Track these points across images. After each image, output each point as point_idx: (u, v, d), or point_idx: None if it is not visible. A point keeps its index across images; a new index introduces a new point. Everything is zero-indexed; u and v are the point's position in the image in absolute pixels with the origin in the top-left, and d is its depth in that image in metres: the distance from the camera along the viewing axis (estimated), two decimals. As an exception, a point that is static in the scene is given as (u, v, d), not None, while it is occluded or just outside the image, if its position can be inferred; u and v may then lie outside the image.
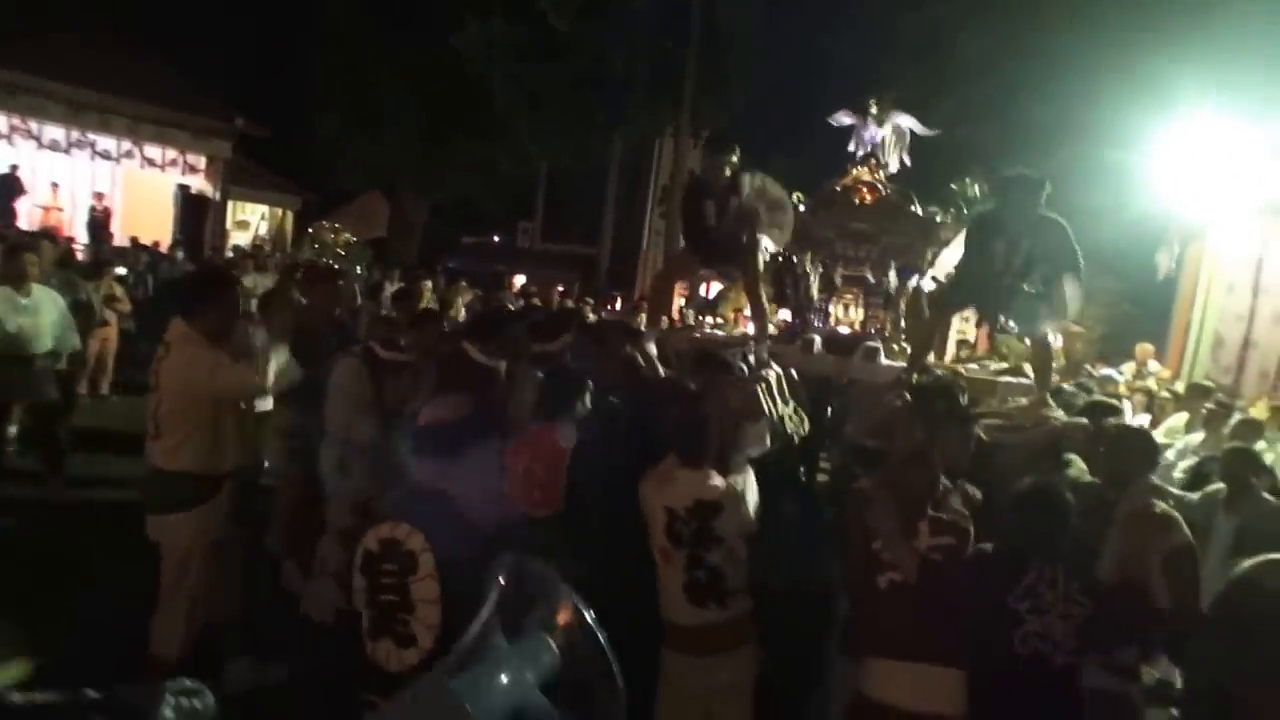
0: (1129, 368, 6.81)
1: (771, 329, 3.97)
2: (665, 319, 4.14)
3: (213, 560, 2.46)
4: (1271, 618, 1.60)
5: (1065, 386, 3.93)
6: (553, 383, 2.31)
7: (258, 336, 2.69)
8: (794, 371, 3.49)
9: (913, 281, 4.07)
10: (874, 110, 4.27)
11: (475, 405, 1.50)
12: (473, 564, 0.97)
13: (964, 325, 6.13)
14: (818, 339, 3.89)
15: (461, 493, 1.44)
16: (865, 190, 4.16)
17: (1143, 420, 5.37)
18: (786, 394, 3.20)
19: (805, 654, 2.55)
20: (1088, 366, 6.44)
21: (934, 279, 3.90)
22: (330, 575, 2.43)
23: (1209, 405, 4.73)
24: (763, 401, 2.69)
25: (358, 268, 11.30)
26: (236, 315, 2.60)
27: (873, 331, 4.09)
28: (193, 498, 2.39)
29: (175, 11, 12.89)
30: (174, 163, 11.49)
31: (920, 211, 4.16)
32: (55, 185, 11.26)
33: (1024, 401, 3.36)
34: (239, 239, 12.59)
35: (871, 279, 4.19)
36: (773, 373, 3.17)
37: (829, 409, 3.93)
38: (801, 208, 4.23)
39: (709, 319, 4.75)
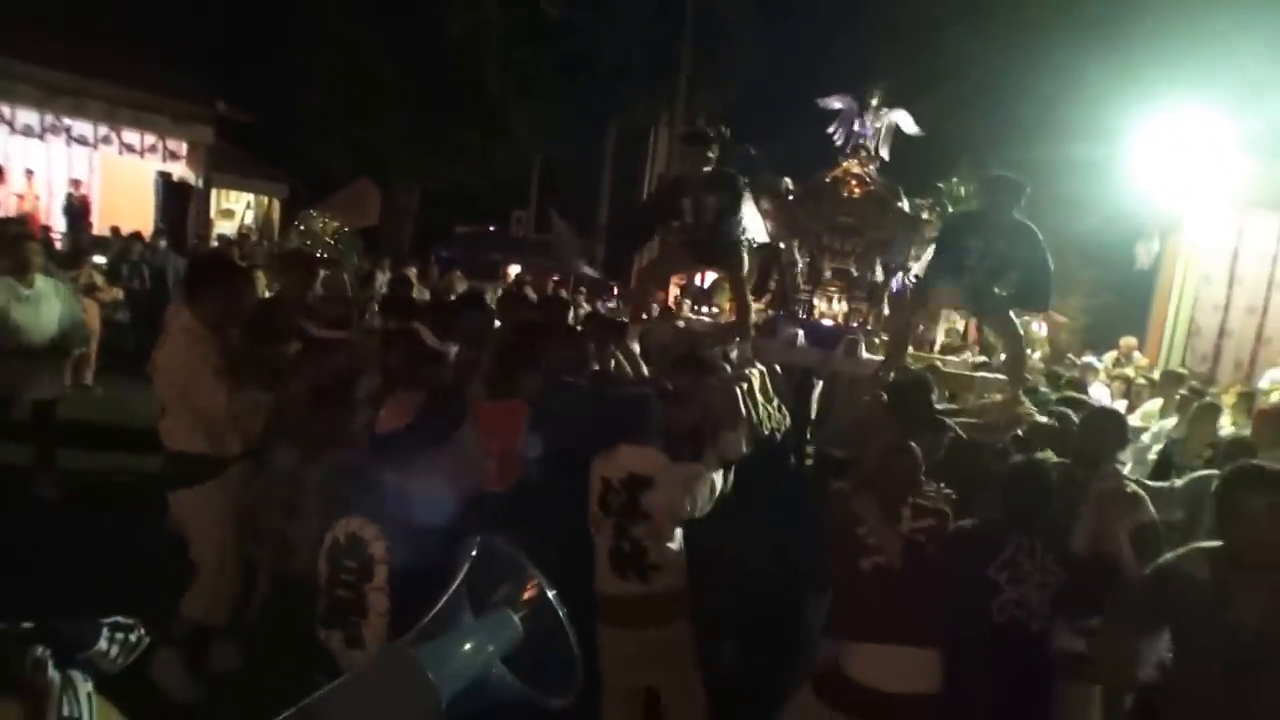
0: (1110, 357, 6.99)
1: (754, 314, 4.01)
2: (647, 314, 4.16)
3: (234, 537, 2.46)
4: (1193, 603, 1.66)
5: (1041, 388, 4.02)
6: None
7: None
8: (777, 366, 3.54)
9: (896, 281, 4.13)
10: (873, 101, 4.23)
11: (427, 400, 1.52)
12: (430, 573, 0.97)
13: (952, 320, 6.20)
14: (800, 331, 3.94)
15: (428, 492, 1.45)
16: (854, 183, 4.18)
17: (1119, 405, 5.55)
18: (769, 391, 3.25)
19: (786, 635, 2.63)
20: (1070, 356, 6.59)
21: (915, 276, 3.96)
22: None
23: (1182, 391, 4.90)
24: (742, 406, 2.73)
25: (353, 257, 11.15)
26: (242, 304, 2.56)
27: (855, 325, 4.14)
28: (202, 474, 2.42)
29: (152, -9, 12.48)
30: (153, 149, 11.19)
31: (907, 208, 4.19)
32: (30, 172, 10.95)
33: (999, 398, 3.44)
34: (224, 228, 12.35)
35: (855, 273, 4.23)
36: (755, 371, 3.20)
37: (814, 398, 3.99)
38: (790, 197, 4.25)
39: (704, 309, 4.77)
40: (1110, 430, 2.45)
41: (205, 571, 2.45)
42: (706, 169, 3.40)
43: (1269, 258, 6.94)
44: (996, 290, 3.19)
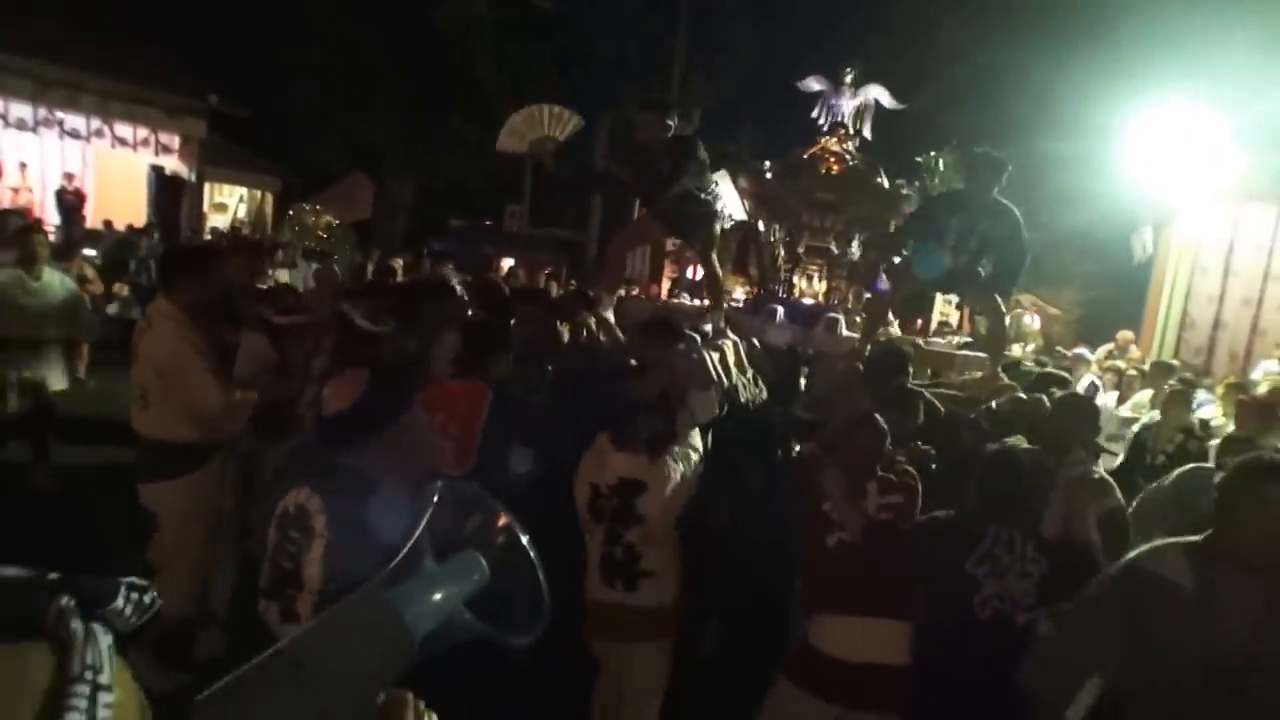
0: (1104, 350, 6.90)
1: (740, 296, 3.95)
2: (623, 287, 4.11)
3: (212, 526, 2.47)
4: (1168, 608, 1.50)
5: (1025, 363, 3.96)
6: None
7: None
8: (755, 341, 3.48)
9: (875, 258, 4.08)
10: (847, 79, 4.22)
11: (371, 380, 1.45)
12: (367, 554, 0.96)
13: (945, 306, 6.15)
14: (780, 309, 3.89)
15: (371, 472, 1.41)
16: (832, 160, 4.14)
17: (1111, 397, 5.47)
18: (744, 363, 3.19)
19: (776, 621, 2.58)
20: (1059, 348, 6.51)
21: (899, 255, 3.90)
22: None
23: (1171, 382, 4.81)
24: (712, 369, 2.67)
25: (345, 250, 11.15)
26: (220, 291, 2.56)
27: (835, 303, 4.08)
28: (183, 467, 2.39)
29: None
30: (146, 142, 11.18)
31: (887, 184, 4.14)
32: (24, 165, 10.98)
33: (979, 374, 3.41)
34: (217, 222, 12.35)
35: (836, 250, 4.17)
36: (729, 342, 3.16)
37: (800, 378, 3.92)
38: (768, 175, 4.21)
39: (696, 300, 4.73)
40: (1081, 416, 2.41)
41: (180, 563, 2.40)
42: (666, 135, 3.34)
43: (1265, 250, 6.90)
44: (979, 270, 3.15)
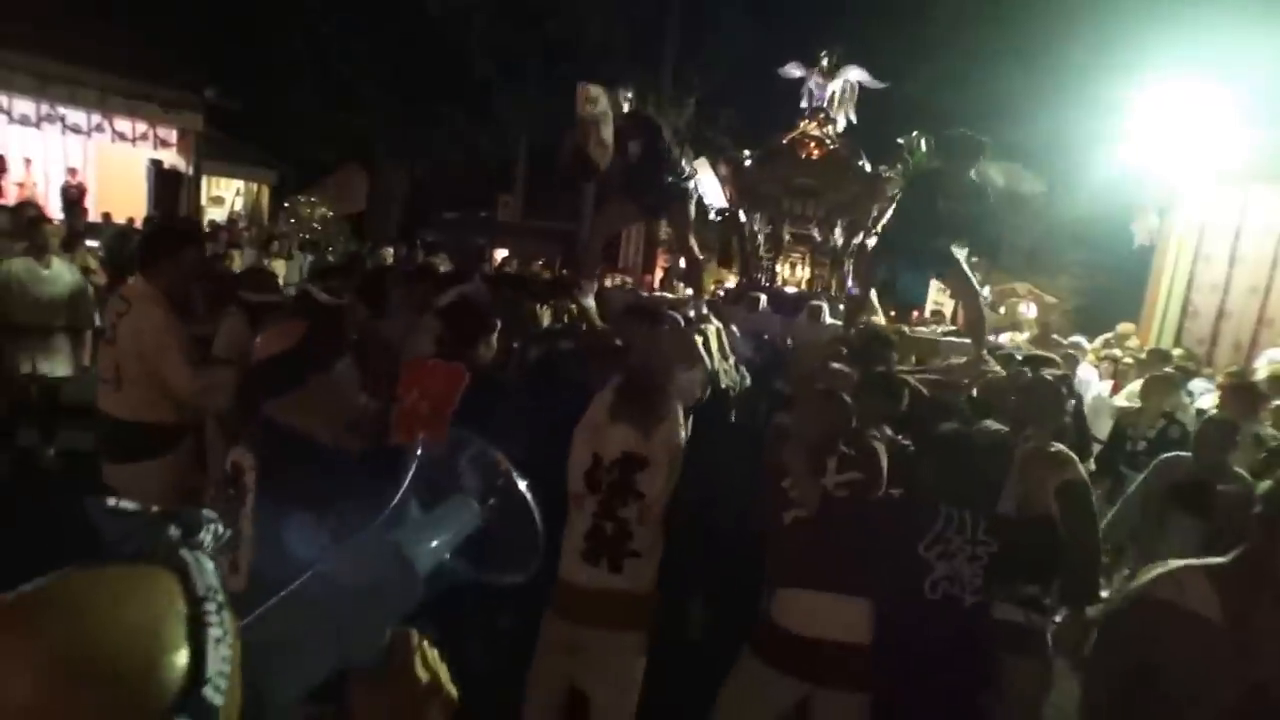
0: (1101, 339, 6.76)
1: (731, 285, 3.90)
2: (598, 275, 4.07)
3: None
4: (1195, 648, 1.25)
5: (1006, 346, 3.90)
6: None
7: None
8: (734, 327, 3.45)
9: (858, 239, 4.00)
10: (824, 63, 4.13)
11: (308, 330, 1.44)
12: (294, 504, 1.00)
13: (939, 295, 6.05)
14: (763, 298, 3.84)
15: (301, 422, 1.40)
16: (812, 145, 4.05)
17: (1106, 385, 5.38)
18: (726, 349, 3.16)
19: (752, 597, 2.55)
20: (1055, 335, 6.38)
21: (876, 235, 3.84)
22: None
23: (1167, 369, 4.71)
24: (697, 348, 2.64)
25: (340, 241, 11.19)
26: (196, 275, 2.58)
27: (819, 290, 4.01)
28: (158, 447, 2.40)
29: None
30: (145, 136, 11.29)
31: (868, 167, 4.05)
32: (28, 161, 11.12)
33: (964, 359, 3.36)
34: (214, 215, 12.44)
35: (818, 237, 4.10)
36: (711, 327, 3.13)
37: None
38: (747, 163, 4.13)
39: (690, 291, 4.68)
40: (1041, 396, 2.36)
41: None
42: (623, 112, 3.28)
43: (1274, 234, 6.66)
44: (954, 250, 3.10)
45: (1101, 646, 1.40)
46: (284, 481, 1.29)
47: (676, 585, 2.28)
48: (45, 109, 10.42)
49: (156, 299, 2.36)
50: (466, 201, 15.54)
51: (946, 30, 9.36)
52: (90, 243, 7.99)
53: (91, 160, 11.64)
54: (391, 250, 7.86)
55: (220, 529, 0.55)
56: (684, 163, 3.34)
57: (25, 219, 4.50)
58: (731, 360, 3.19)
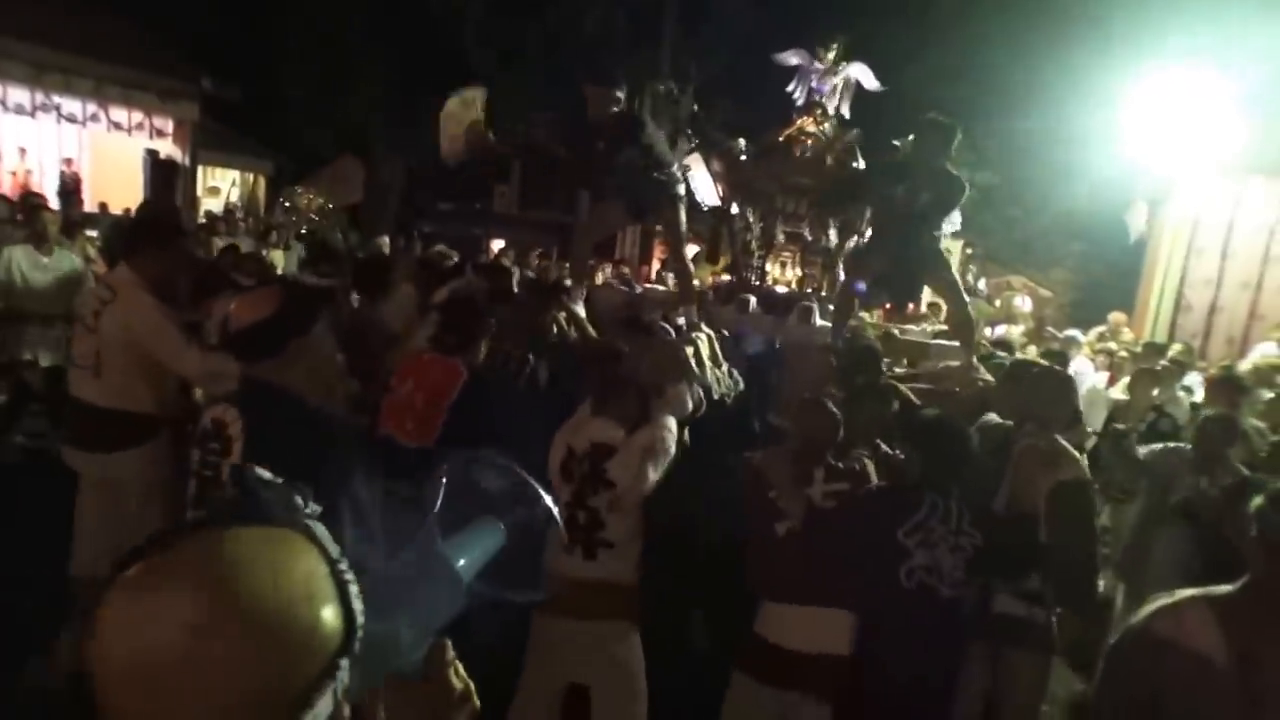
0: (1095, 332, 6.78)
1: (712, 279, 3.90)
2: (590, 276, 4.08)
3: (172, 493, 2.43)
4: (1178, 682, 1.19)
5: (998, 354, 3.93)
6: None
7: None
8: (725, 331, 3.47)
9: (850, 242, 4.01)
10: (829, 56, 4.07)
11: (283, 297, 1.49)
12: (282, 455, 1.03)
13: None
14: (753, 299, 3.86)
15: (291, 384, 1.46)
16: (809, 142, 4.03)
17: (1101, 378, 5.42)
18: (719, 356, 3.19)
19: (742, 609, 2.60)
20: (1050, 329, 6.40)
21: (856, 237, 3.84)
22: None
23: (1163, 363, 4.75)
24: (688, 364, 2.67)
25: (335, 232, 11.14)
26: (183, 265, 2.54)
27: (809, 291, 4.03)
28: (135, 436, 2.38)
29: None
30: (140, 126, 11.19)
31: (863, 166, 4.04)
32: (23, 150, 11.06)
33: (954, 364, 3.37)
34: (210, 205, 12.38)
35: (810, 236, 4.10)
36: (703, 335, 3.14)
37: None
38: (743, 157, 4.13)
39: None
40: (1052, 391, 2.33)
41: (144, 531, 2.41)
42: (613, 109, 3.27)
43: (1267, 229, 6.66)
44: (926, 239, 3.08)
45: (1105, 679, 1.33)
46: (269, 437, 1.33)
47: (678, 596, 2.33)
48: (40, 98, 10.31)
49: (144, 286, 2.34)
50: (462, 193, 15.46)
51: (946, 20, 9.25)
52: (89, 232, 7.99)
53: (87, 150, 11.57)
54: (388, 240, 7.85)
55: (310, 499, 0.58)
56: (674, 167, 3.33)
57: (27, 207, 4.51)
58: (725, 367, 3.22)
